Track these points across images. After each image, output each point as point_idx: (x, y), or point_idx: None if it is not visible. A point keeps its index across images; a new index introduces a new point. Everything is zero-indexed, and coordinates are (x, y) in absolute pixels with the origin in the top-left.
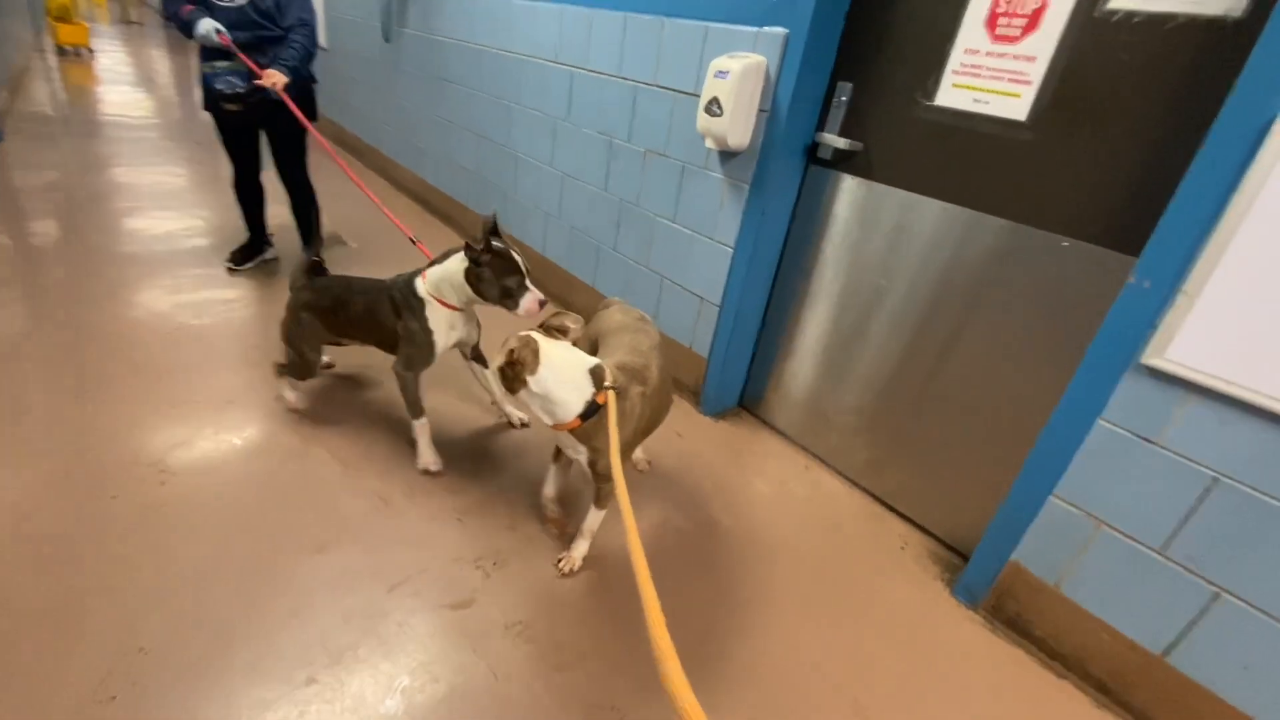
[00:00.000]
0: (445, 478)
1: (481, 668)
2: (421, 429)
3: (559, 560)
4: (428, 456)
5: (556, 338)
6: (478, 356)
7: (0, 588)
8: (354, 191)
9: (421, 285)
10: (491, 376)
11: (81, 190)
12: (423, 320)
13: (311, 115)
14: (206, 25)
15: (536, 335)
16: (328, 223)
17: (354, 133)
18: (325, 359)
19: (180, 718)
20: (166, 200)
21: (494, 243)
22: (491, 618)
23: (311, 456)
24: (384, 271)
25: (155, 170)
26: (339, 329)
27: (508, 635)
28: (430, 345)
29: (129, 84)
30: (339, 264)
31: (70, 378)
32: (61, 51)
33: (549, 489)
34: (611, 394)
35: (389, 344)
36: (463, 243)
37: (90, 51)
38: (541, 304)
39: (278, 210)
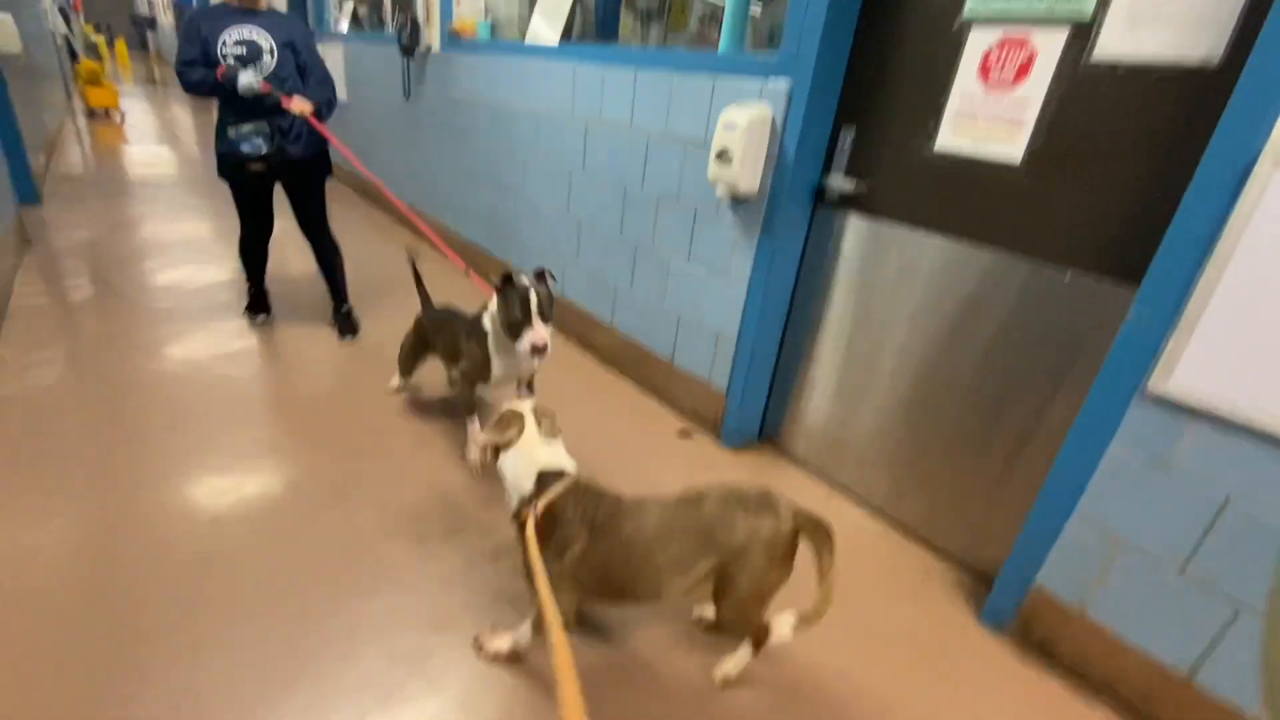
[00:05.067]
0: (478, 520)
1: (524, 708)
2: (472, 422)
3: (476, 636)
4: (474, 451)
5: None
6: (531, 387)
7: (50, 638)
8: (376, 242)
9: (486, 317)
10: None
11: (116, 248)
12: (483, 347)
13: (328, 169)
14: (247, 77)
15: (530, 417)
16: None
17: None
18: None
19: None
20: (196, 255)
21: (520, 280)
22: (534, 657)
23: (349, 502)
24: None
25: (184, 225)
26: (434, 345)
27: (551, 675)
28: (485, 366)
29: (155, 141)
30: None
31: (113, 431)
32: (92, 114)
33: None
34: (530, 522)
35: (457, 360)
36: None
37: (121, 114)
38: (540, 347)
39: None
